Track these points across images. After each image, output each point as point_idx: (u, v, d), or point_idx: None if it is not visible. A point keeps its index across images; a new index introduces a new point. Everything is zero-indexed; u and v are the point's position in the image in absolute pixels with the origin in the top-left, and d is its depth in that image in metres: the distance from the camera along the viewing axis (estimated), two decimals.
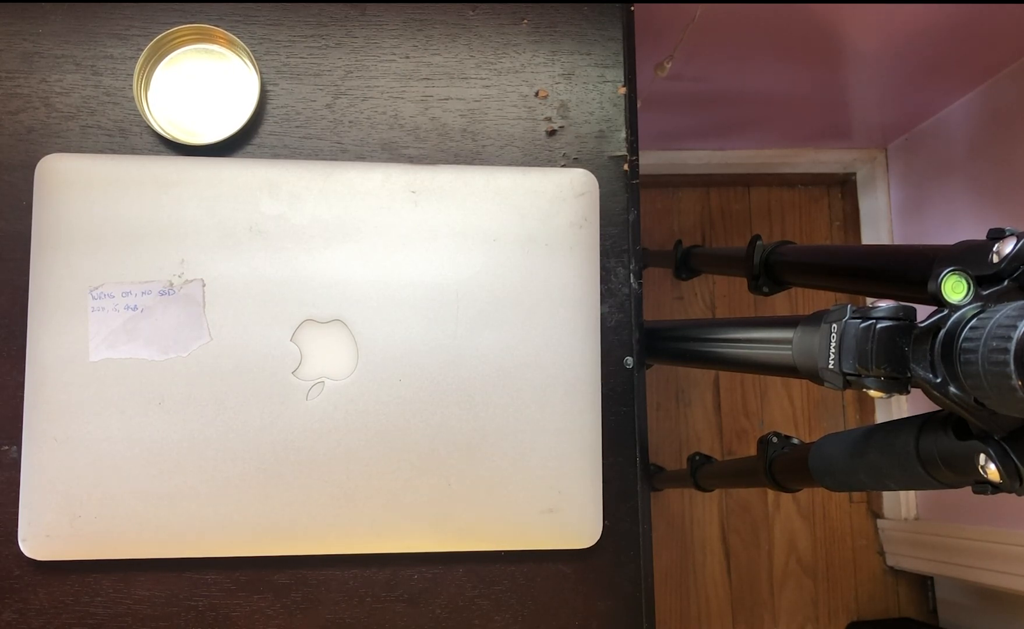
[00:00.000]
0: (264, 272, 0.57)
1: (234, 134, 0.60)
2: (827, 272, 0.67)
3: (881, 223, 1.43)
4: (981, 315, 0.41)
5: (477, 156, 0.64)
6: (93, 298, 0.55)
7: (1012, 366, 0.37)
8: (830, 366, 0.49)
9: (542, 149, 0.64)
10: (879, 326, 0.46)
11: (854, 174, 1.49)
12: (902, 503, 1.38)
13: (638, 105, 0.67)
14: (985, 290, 0.43)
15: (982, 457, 0.43)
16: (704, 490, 1.01)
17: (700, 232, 1.48)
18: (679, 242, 1.18)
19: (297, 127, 0.62)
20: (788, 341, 0.54)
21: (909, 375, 0.45)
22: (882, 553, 1.42)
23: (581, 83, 0.65)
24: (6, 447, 0.57)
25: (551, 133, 0.64)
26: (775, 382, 1.45)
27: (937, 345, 0.43)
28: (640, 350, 0.63)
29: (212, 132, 0.61)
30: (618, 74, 0.65)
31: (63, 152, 0.59)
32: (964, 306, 0.43)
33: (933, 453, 0.47)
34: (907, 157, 1.38)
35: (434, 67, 0.64)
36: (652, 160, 1.40)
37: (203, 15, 0.63)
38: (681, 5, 0.91)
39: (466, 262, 0.58)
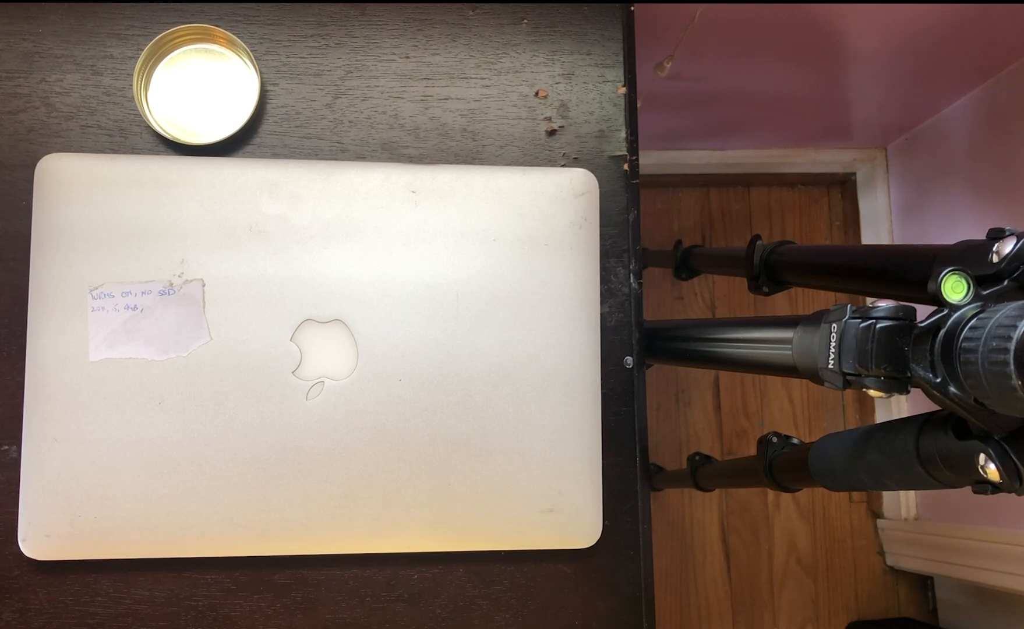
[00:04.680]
0: (264, 272, 0.57)
1: (234, 134, 0.60)
2: (827, 272, 0.67)
3: (881, 223, 1.43)
4: (981, 315, 0.41)
5: (477, 156, 0.64)
6: (93, 298, 0.55)
7: (1012, 366, 0.37)
8: (830, 366, 0.49)
9: (542, 149, 0.64)
10: (879, 326, 0.46)
11: (854, 174, 1.49)
12: (902, 503, 1.38)
13: (638, 105, 0.67)
14: (985, 290, 0.43)
15: (982, 457, 0.43)
16: (704, 490, 1.01)
17: (700, 232, 1.48)
18: (679, 242, 1.18)
19: (297, 127, 0.62)
20: (788, 341, 0.54)
21: (909, 375, 0.45)
22: (882, 553, 1.42)
23: (581, 83, 0.65)
24: (6, 447, 0.57)
25: (551, 133, 0.64)
26: (775, 382, 1.45)
27: (937, 345, 0.43)
28: (640, 350, 0.63)
29: (212, 132, 0.61)
30: (618, 74, 0.65)
31: (63, 152, 0.59)
32: (964, 306, 0.43)
33: (933, 453, 0.47)
34: (907, 157, 1.38)
35: (434, 67, 0.64)
36: (652, 160, 1.40)
37: (203, 15, 0.63)
38: (681, 5, 0.91)
39: (466, 262, 0.58)
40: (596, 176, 0.61)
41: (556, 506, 0.58)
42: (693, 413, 1.43)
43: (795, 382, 1.45)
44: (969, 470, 0.45)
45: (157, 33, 0.61)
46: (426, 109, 0.64)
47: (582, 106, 0.65)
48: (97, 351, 0.55)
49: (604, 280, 0.63)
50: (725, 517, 1.41)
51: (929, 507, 1.36)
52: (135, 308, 0.56)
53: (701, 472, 0.98)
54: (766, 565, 1.41)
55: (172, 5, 0.62)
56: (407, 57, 0.64)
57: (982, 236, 0.47)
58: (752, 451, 0.76)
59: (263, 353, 0.56)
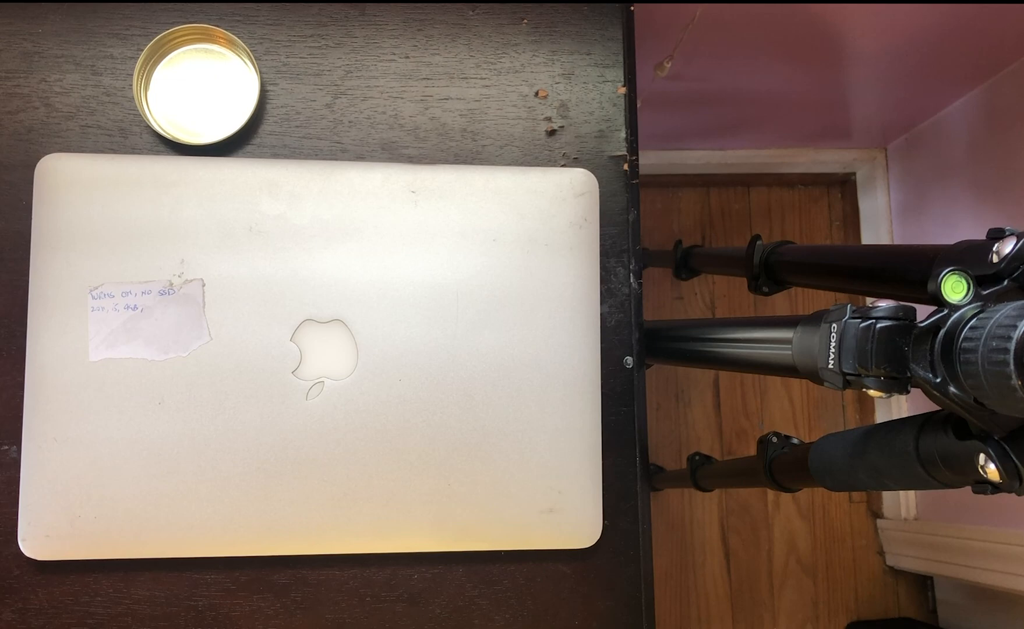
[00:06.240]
0: (264, 272, 0.57)
1: (234, 134, 0.60)
2: (827, 272, 0.67)
3: (881, 223, 1.43)
4: (981, 315, 0.41)
5: (477, 156, 0.64)
6: (93, 298, 0.55)
7: (1012, 366, 0.37)
8: (830, 366, 0.49)
9: (542, 149, 0.64)
10: (879, 326, 0.46)
11: (854, 174, 1.49)
12: (902, 503, 1.38)
13: (638, 105, 0.67)
14: (985, 290, 0.43)
15: (982, 457, 0.43)
16: (704, 490, 1.01)
17: (700, 232, 1.48)
18: (679, 242, 1.18)
19: (297, 127, 0.62)
20: (788, 341, 0.54)
21: (909, 375, 0.45)
22: (882, 553, 1.42)
23: (581, 83, 0.65)
24: (6, 447, 0.57)
25: (551, 133, 0.64)
26: (775, 382, 1.45)
27: (937, 345, 0.43)
28: (640, 350, 0.63)
29: (212, 132, 0.61)
30: (618, 74, 0.65)
31: (63, 152, 0.59)
32: (964, 306, 0.43)
33: (933, 453, 0.47)
34: (907, 157, 1.38)
35: (434, 67, 0.64)
36: (652, 160, 1.40)
37: (203, 15, 0.63)
38: (681, 5, 0.91)
39: (466, 262, 0.58)
40: (596, 176, 0.61)
41: (556, 506, 0.58)
42: (693, 413, 1.43)
43: (795, 382, 1.45)
44: (969, 470, 0.45)
45: (157, 33, 0.61)
46: (426, 109, 0.64)
47: (582, 106, 0.65)
48: (97, 351, 0.55)
49: (604, 280, 0.63)
50: (725, 517, 1.41)
51: (929, 507, 1.36)
52: (135, 308, 0.56)
53: (701, 472, 0.98)
54: (766, 565, 1.41)
55: (172, 5, 0.62)
56: (407, 57, 0.64)
57: (982, 236, 0.47)
58: (752, 451, 0.76)
59: (263, 353, 0.56)
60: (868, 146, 1.43)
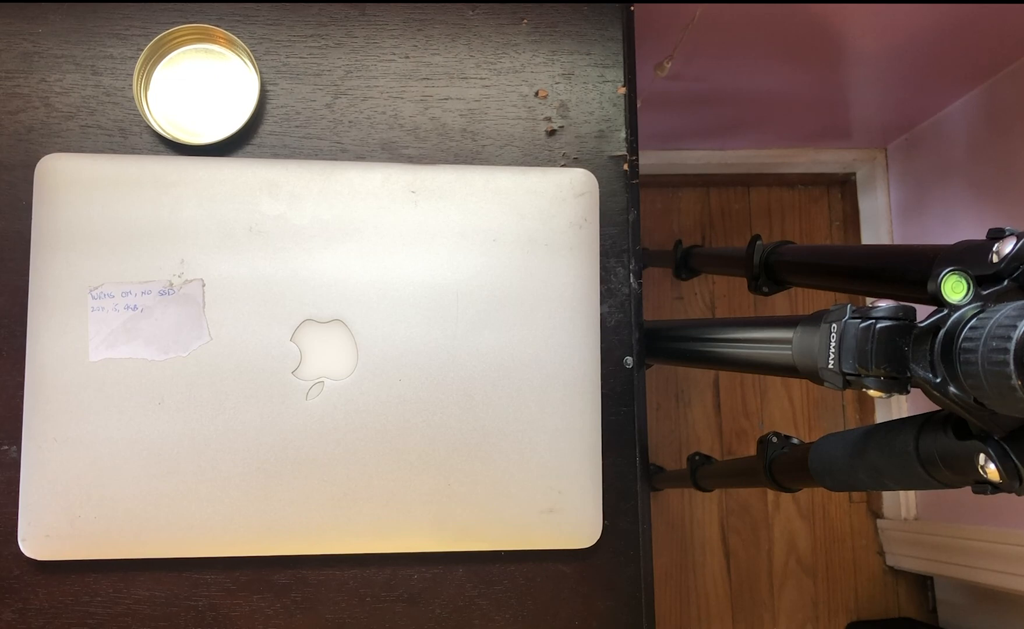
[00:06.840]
0: (264, 272, 0.57)
1: (234, 134, 0.60)
2: (827, 272, 0.67)
3: (881, 223, 1.43)
4: (981, 315, 0.41)
5: (477, 156, 0.64)
6: (93, 298, 0.55)
7: (1012, 366, 0.37)
8: (830, 366, 0.49)
9: (542, 149, 0.64)
10: (879, 326, 0.46)
11: (854, 174, 1.49)
12: (902, 503, 1.38)
13: (638, 105, 0.67)
14: (985, 290, 0.43)
15: (982, 457, 0.43)
16: (704, 490, 1.01)
17: (700, 232, 1.48)
18: (679, 242, 1.18)
19: (297, 127, 0.62)
20: (788, 341, 0.54)
21: (909, 375, 0.45)
22: (882, 553, 1.42)
23: (581, 83, 0.65)
24: (6, 447, 0.57)
25: (551, 133, 0.64)
26: (775, 382, 1.45)
27: (937, 345, 0.43)
28: (640, 350, 0.63)
29: (212, 132, 0.61)
30: (618, 74, 0.65)
31: (63, 152, 0.59)
32: (964, 306, 0.43)
33: (933, 453, 0.47)
34: (907, 157, 1.38)
35: (434, 67, 0.64)
36: (652, 160, 1.40)
37: (203, 15, 0.63)
38: (681, 5, 0.91)
39: (466, 262, 0.58)
40: (596, 176, 0.61)
41: (556, 506, 0.58)
42: (693, 413, 1.43)
43: (795, 382, 1.45)
44: (969, 470, 0.45)
45: (157, 33, 0.61)
46: (426, 109, 0.64)
47: (582, 106, 0.65)
48: (97, 351, 0.55)
49: (604, 280, 0.63)
50: (725, 517, 1.41)
51: (929, 507, 1.36)
52: (135, 308, 0.56)
53: (701, 472, 0.98)
54: (766, 565, 1.41)
55: (172, 5, 0.62)
56: (407, 57, 0.64)
57: (982, 236, 0.47)
58: (752, 451, 0.76)
59: (263, 353, 0.56)
60: (868, 146, 1.43)
